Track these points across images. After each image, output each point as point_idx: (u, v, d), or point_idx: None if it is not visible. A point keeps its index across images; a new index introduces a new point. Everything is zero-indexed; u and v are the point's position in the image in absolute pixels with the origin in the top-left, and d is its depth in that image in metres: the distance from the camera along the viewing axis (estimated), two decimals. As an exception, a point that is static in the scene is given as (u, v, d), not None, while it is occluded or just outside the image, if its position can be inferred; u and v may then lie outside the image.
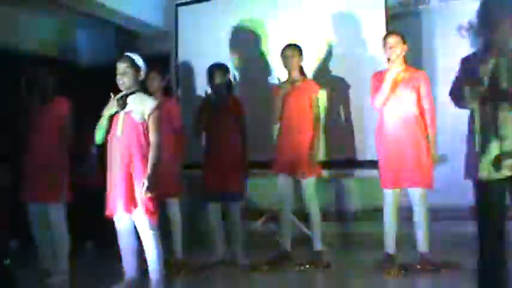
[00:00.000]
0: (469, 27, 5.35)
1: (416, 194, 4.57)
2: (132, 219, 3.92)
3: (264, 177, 5.44)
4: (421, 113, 4.62)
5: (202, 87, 5.67)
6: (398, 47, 4.61)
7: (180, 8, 6.49)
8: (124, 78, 3.97)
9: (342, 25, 5.60)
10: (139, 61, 4.05)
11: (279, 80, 5.14)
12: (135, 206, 3.85)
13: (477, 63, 3.16)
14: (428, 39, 5.63)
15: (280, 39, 5.60)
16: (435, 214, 5.12)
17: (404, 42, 4.64)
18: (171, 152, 4.87)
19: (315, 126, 5.02)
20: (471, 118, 3.25)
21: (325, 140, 5.39)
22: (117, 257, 4.04)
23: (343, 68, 5.55)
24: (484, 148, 3.14)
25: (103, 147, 4.05)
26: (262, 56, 6.00)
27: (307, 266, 4.86)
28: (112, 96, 3.98)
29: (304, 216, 5.25)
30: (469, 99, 3.14)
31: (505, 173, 3.10)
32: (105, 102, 4.04)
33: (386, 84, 4.58)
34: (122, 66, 3.97)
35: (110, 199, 3.93)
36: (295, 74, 5.11)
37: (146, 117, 3.91)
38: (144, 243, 3.94)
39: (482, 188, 3.18)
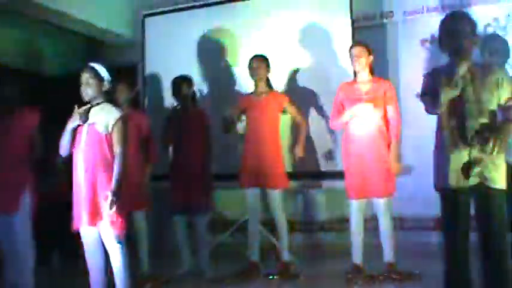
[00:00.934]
0: (432, 40, 5.53)
1: (380, 203, 4.61)
2: (98, 233, 3.88)
3: (231, 189, 5.43)
4: (386, 123, 4.68)
5: (169, 98, 5.67)
6: (363, 58, 4.67)
7: (147, 19, 6.47)
8: (87, 89, 3.90)
9: (309, 37, 5.64)
10: (102, 71, 3.97)
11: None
12: (101, 218, 3.80)
13: (445, 74, 3.23)
14: (392, 51, 5.73)
15: (248, 50, 5.63)
16: (401, 223, 5.20)
17: (369, 53, 4.70)
18: (137, 164, 4.86)
19: (300, 130, 5.08)
20: (439, 126, 3.31)
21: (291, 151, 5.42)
22: (84, 269, 4.00)
23: (310, 79, 5.58)
24: (452, 156, 3.20)
25: (69, 159, 4.01)
26: (229, 67, 6.00)
27: (275, 276, 4.88)
28: (76, 108, 3.93)
29: (272, 227, 5.26)
30: (441, 102, 3.20)
31: (474, 180, 3.16)
32: (72, 113, 4.00)
33: (346, 117, 4.64)
34: (85, 77, 3.91)
35: (75, 212, 3.88)
36: (262, 85, 5.13)
37: (110, 128, 3.86)
38: (110, 257, 3.89)
39: (450, 196, 3.23)
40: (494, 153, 3.11)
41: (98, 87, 3.92)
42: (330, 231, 5.78)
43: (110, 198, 3.71)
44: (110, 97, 4.08)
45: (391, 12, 5.82)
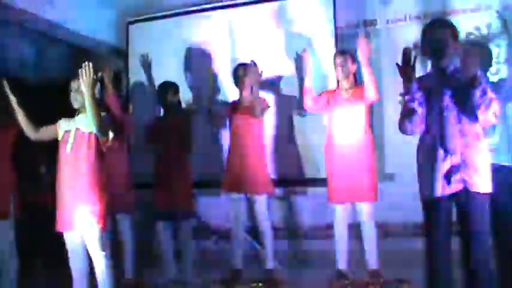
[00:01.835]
0: (414, 48, 5.56)
1: (363, 210, 4.65)
2: (82, 238, 3.87)
3: (216, 196, 5.43)
4: (369, 128, 4.72)
5: (153, 105, 5.67)
6: (347, 66, 4.71)
7: (131, 26, 6.47)
8: (77, 96, 3.94)
9: (292, 45, 5.66)
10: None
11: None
12: (86, 223, 3.81)
13: (423, 84, 3.27)
14: (375, 60, 5.75)
15: (231, 58, 5.65)
16: (386, 230, 5.22)
17: (353, 61, 4.74)
18: (123, 165, 4.92)
19: None
20: (421, 135, 3.34)
21: (276, 158, 5.43)
22: (68, 277, 3.98)
23: (294, 87, 5.60)
24: (434, 164, 3.23)
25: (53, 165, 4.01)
26: (213, 75, 6.01)
27: (259, 284, 4.88)
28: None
29: (256, 234, 5.27)
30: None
31: (456, 187, 3.19)
32: (55, 119, 4.01)
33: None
34: (74, 84, 3.94)
35: (59, 216, 3.88)
36: (247, 93, 5.15)
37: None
38: (94, 263, 3.89)
39: (433, 204, 3.26)
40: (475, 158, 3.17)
41: None
42: (314, 238, 5.78)
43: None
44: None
45: (374, 20, 5.85)
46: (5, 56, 6.85)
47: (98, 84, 3.96)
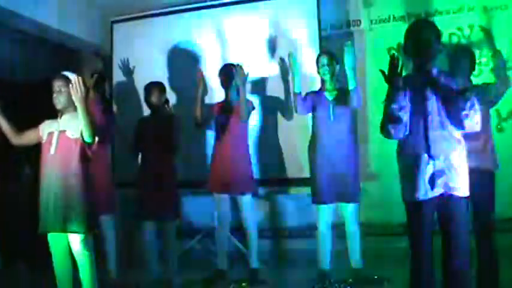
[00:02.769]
0: (398, 48, 5.61)
1: (347, 210, 4.67)
2: (66, 239, 3.87)
3: (200, 195, 5.43)
4: (353, 129, 4.75)
5: (138, 105, 5.66)
6: (330, 66, 4.73)
7: (115, 25, 6.44)
8: (59, 97, 3.93)
9: (276, 45, 5.68)
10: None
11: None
12: (69, 224, 3.80)
13: (405, 86, 3.29)
14: (359, 60, 5.77)
15: (216, 59, 5.66)
16: (368, 230, 5.25)
17: (337, 62, 4.76)
18: (106, 167, 4.92)
19: None
20: (403, 139, 3.36)
21: (260, 158, 5.44)
22: (52, 278, 3.97)
23: (278, 87, 5.61)
24: (418, 167, 3.26)
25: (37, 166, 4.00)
26: (199, 76, 5.98)
27: (243, 284, 4.89)
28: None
29: (240, 234, 5.27)
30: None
31: (439, 191, 3.23)
32: (39, 119, 3.99)
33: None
34: (57, 85, 3.93)
35: (43, 217, 3.86)
36: (232, 93, 5.16)
37: (80, 134, 3.87)
38: (78, 264, 3.88)
39: (417, 207, 3.28)
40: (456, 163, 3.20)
41: (70, 96, 3.91)
42: (297, 237, 5.81)
43: None
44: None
45: (358, 20, 5.89)
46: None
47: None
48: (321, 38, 5.53)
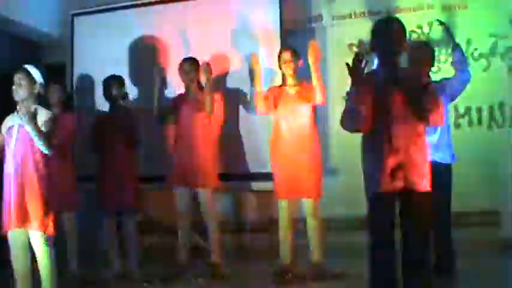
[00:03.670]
0: (359, 44, 5.67)
1: (309, 205, 4.70)
2: (26, 236, 3.83)
3: (162, 190, 5.41)
4: (314, 125, 4.77)
5: (98, 99, 5.61)
6: (292, 62, 4.75)
7: (76, 18, 6.35)
8: (19, 90, 3.91)
9: (238, 41, 5.68)
10: (35, 74, 3.98)
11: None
12: (29, 220, 3.77)
13: (369, 82, 3.33)
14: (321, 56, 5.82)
15: (177, 52, 5.63)
16: (328, 224, 5.29)
17: (298, 58, 4.78)
18: (66, 164, 4.87)
19: None
20: (366, 133, 3.40)
21: (222, 153, 5.44)
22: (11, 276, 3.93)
23: (239, 82, 5.62)
24: (380, 162, 3.30)
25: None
26: (160, 68, 5.96)
27: (204, 278, 4.89)
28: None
29: (202, 228, 5.27)
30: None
31: (399, 184, 3.27)
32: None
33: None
34: (17, 78, 3.92)
35: (4, 214, 3.83)
36: (193, 87, 5.14)
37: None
38: (38, 259, 3.86)
39: (378, 200, 3.33)
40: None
41: (29, 89, 3.92)
42: (259, 232, 5.82)
43: None
44: (41, 99, 4.06)
45: (320, 16, 5.92)
46: None
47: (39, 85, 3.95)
48: (282, 33, 5.54)
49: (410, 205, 3.31)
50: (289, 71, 4.76)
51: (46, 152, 3.81)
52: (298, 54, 4.79)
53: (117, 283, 4.96)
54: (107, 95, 5.18)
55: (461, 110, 5.44)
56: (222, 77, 5.68)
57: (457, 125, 5.42)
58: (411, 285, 3.29)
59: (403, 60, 3.78)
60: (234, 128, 5.58)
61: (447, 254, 4.30)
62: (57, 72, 5.40)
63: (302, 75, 4.84)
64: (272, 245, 5.02)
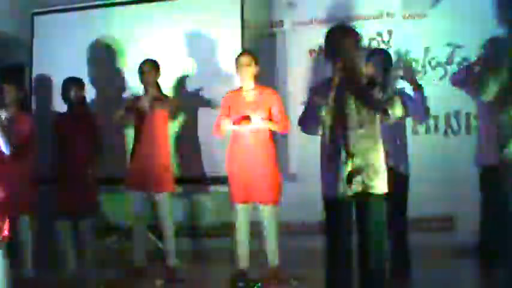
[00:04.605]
0: (319, 50, 5.70)
1: (265, 209, 4.69)
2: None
3: (118, 193, 5.38)
4: (270, 131, 4.77)
5: (58, 100, 5.55)
6: (250, 67, 4.73)
7: (36, 18, 6.27)
8: None
9: (198, 44, 5.68)
10: None
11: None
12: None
13: (325, 88, 3.36)
14: (281, 61, 5.85)
15: (137, 56, 5.60)
16: (287, 229, 5.31)
17: (256, 62, 4.76)
18: (20, 167, 4.76)
19: None
20: (323, 138, 3.43)
21: (178, 156, 5.42)
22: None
23: (198, 85, 5.62)
24: (337, 166, 3.31)
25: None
26: (118, 72, 5.94)
27: (161, 281, 4.86)
28: None
29: (158, 231, 5.24)
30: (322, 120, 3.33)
31: (356, 189, 3.30)
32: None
33: (226, 126, 4.70)
34: None
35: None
36: (152, 89, 5.11)
37: None
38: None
39: (334, 204, 3.35)
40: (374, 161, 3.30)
41: None
42: (215, 236, 5.82)
43: None
44: None
45: (281, 21, 5.94)
46: None
47: None
48: (243, 38, 5.55)
49: (367, 208, 3.34)
50: (246, 75, 4.74)
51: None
52: (256, 59, 4.77)
53: (73, 286, 4.92)
54: (66, 97, 5.14)
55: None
56: (181, 80, 5.66)
57: (415, 132, 5.47)
58: None
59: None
60: (192, 131, 5.58)
61: (402, 259, 4.35)
62: (15, 72, 5.31)
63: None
64: (229, 249, 5.01)
